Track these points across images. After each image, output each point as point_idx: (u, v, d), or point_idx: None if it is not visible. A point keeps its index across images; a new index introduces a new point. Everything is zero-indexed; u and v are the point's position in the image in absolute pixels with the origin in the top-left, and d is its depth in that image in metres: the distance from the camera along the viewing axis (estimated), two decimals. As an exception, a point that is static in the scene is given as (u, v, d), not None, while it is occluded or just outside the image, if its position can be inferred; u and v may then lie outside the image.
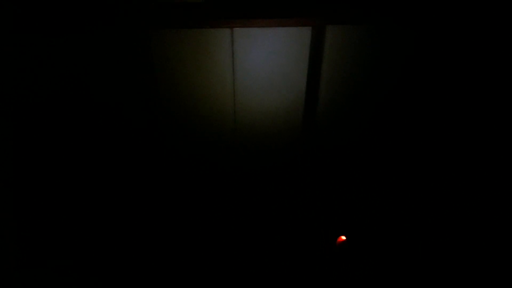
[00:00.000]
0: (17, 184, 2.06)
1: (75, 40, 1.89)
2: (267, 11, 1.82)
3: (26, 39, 1.89)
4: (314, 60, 1.95)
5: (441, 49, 1.92)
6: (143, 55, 1.94)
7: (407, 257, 2.25)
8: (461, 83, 2.01)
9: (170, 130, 2.15)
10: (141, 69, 1.97)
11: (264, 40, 1.91)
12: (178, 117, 2.12)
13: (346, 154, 2.26)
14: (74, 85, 2.01)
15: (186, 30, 1.87)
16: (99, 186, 2.30)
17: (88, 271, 2.26)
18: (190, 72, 1.98)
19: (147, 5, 1.80)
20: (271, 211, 2.36)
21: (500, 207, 2.14)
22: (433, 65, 1.96)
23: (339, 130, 2.16)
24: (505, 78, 1.97)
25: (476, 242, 2.18)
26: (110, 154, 2.23)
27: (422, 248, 2.25)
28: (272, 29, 1.88)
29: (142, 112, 2.10)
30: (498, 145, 2.10)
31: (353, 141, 2.21)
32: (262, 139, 2.19)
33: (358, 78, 1.99)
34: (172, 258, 2.34)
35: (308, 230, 2.36)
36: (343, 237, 2.19)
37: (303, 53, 1.92)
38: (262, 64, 1.96)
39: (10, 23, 1.81)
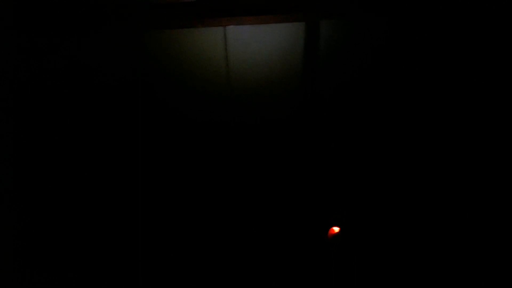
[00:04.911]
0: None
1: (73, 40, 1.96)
2: (260, 8, 1.83)
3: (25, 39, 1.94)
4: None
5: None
6: (135, 54, 2.00)
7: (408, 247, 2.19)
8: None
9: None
10: (134, 65, 2.03)
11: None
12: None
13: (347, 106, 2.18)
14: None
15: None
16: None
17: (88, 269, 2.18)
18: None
19: (139, 7, 1.85)
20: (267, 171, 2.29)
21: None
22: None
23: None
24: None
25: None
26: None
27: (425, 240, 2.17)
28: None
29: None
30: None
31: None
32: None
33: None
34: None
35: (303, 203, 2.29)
36: (336, 229, 2.06)
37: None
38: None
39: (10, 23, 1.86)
